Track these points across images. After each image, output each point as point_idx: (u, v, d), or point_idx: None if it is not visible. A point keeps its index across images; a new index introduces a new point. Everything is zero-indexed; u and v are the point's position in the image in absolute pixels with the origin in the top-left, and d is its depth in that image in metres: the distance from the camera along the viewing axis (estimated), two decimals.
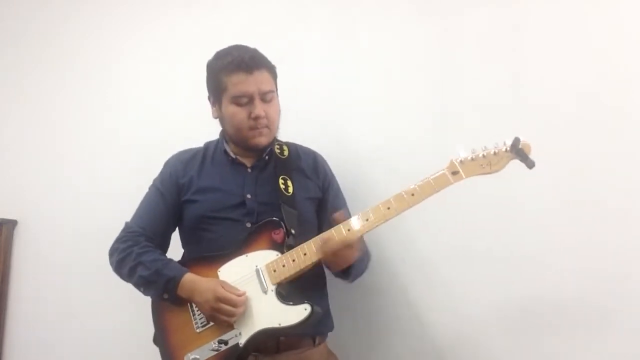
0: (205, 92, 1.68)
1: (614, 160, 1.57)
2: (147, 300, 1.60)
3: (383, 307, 1.83)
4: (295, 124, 1.75)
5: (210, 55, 1.65)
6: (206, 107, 1.69)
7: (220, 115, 1.65)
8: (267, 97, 1.59)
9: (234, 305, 1.44)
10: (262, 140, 1.61)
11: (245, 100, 1.57)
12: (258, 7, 2.16)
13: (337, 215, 1.49)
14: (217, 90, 1.62)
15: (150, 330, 1.59)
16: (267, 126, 1.60)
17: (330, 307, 1.67)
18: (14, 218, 2.53)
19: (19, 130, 2.61)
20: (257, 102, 1.57)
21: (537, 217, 1.63)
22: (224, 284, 1.47)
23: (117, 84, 2.42)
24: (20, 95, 2.64)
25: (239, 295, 1.45)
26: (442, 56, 1.83)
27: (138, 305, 1.66)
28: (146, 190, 1.70)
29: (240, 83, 1.56)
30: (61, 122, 2.52)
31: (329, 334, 1.66)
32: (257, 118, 1.57)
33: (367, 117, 1.93)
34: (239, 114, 1.58)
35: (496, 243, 1.68)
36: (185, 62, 2.27)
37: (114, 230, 1.65)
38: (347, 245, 1.44)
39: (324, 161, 1.77)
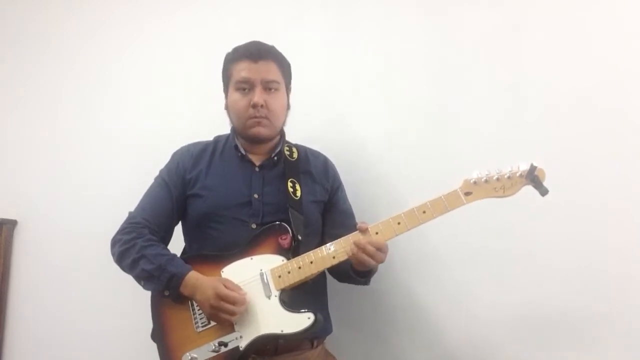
0: (207, 92, 1.68)
1: (614, 161, 1.56)
2: (148, 300, 1.58)
3: (381, 308, 1.83)
4: (295, 123, 1.74)
5: (210, 54, 1.66)
6: (207, 106, 1.69)
7: (226, 104, 1.65)
8: (271, 86, 1.58)
9: (235, 303, 1.41)
10: (261, 131, 1.59)
11: (246, 87, 1.57)
12: (258, 7, 2.16)
13: (361, 225, 1.46)
14: (225, 79, 1.63)
15: (150, 330, 1.58)
16: (266, 117, 1.58)
17: (329, 308, 1.66)
18: (14, 218, 2.53)
19: (19, 130, 2.61)
20: (259, 90, 1.56)
21: (538, 217, 1.63)
22: (226, 282, 1.45)
23: (117, 84, 2.42)
24: (20, 95, 2.64)
25: (241, 294, 1.43)
26: (442, 56, 1.83)
27: (138, 305, 1.66)
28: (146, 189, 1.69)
29: (243, 70, 1.57)
30: (61, 122, 2.52)
31: (327, 336, 1.65)
32: (255, 106, 1.55)
33: (367, 117, 1.93)
34: (240, 101, 1.58)
35: (502, 243, 1.68)
36: (185, 61, 2.27)
37: (114, 230, 1.63)
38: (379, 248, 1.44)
39: (333, 165, 1.76)
